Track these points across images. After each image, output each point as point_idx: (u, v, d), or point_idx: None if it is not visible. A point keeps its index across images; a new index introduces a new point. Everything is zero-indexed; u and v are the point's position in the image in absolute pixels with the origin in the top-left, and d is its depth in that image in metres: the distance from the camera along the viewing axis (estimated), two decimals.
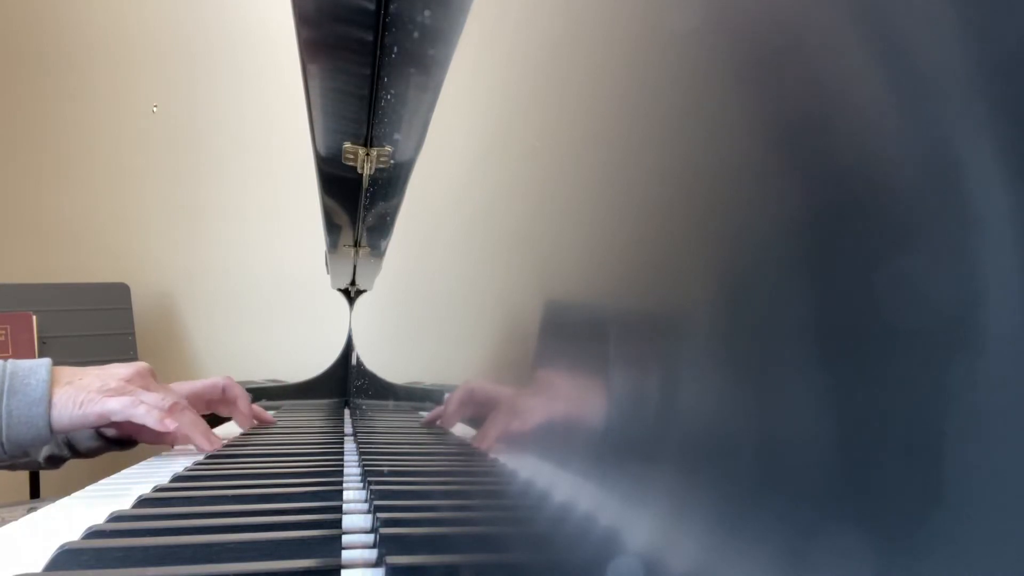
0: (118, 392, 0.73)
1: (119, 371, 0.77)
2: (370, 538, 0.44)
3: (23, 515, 0.53)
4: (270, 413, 1.09)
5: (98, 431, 0.83)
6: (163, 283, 2.18)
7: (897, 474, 0.08)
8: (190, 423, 0.77)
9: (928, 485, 0.07)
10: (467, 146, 0.38)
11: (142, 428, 0.78)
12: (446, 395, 0.38)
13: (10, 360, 0.73)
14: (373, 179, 0.78)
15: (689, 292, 0.12)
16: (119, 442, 0.86)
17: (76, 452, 0.86)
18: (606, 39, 0.17)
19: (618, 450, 0.15)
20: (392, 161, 0.72)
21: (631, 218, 0.15)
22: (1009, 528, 0.06)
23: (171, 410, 0.74)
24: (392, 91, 0.59)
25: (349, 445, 0.85)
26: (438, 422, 0.39)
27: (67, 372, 0.74)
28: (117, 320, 1.92)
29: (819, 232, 0.09)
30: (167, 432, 0.75)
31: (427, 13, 0.47)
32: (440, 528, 0.33)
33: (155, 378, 0.81)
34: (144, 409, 0.72)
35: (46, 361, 0.74)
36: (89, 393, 0.72)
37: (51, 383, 0.71)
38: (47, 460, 0.85)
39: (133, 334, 1.94)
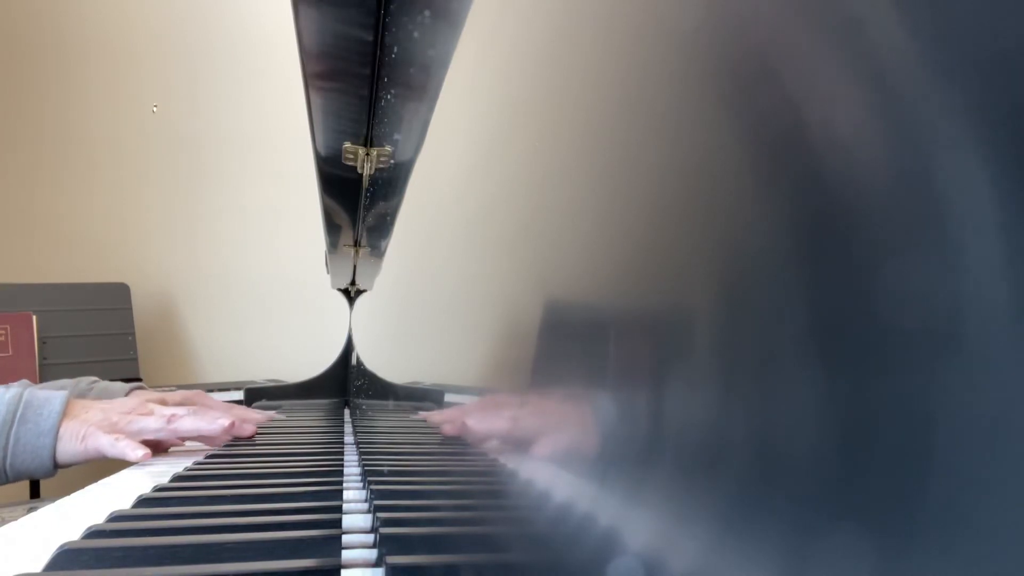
0: (115, 427, 0.76)
1: (123, 404, 0.80)
2: (370, 538, 0.44)
3: (23, 515, 0.53)
4: (270, 413, 1.09)
5: None
6: (163, 283, 2.18)
7: (897, 474, 0.08)
8: (191, 426, 0.81)
9: (927, 485, 0.07)
10: (467, 146, 0.38)
11: (156, 443, 0.83)
12: (446, 399, 0.38)
13: (28, 388, 0.75)
14: (373, 179, 0.78)
15: (690, 292, 0.12)
16: None
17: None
18: (606, 39, 0.17)
19: (618, 450, 0.15)
20: (392, 161, 0.72)
21: (631, 218, 0.15)
22: (1009, 528, 0.06)
23: (170, 420, 0.79)
24: (392, 91, 0.59)
25: (349, 445, 0.85)
26: (444, 426, 0.39)
27: (78, 406, 0.77)
28: (117, 320, 1.92)
29: (819, 232, 0.09)
30: (171, 439, 0.82)
31: (427, 13, 0.47)
32: (440, 528, 0.33)
33: (160, 400, 0.84)
34: (122, 445, 0.74)
35: (62, 394, 0.76)
36: (89, 427, 0.75)
37: (62, 416, 0.74)
38: None
39: (133, 334, 1.94)
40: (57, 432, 0.72)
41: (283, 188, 2.18)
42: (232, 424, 0.84)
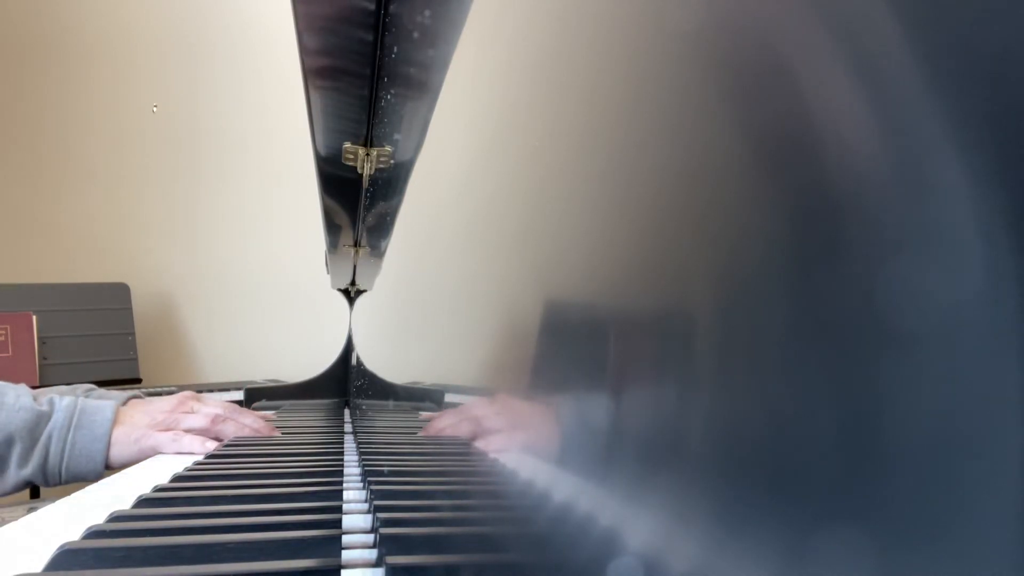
0: (163, 426, 0.83)
1: (162, 405, 0.87)
2: (370, 538, 0.44)
3: (23, 515, 0.53)
4: (269, 413, 1.09)
5: None
6: (163, 283, 2.18)
7: (896, 475, 0.08)
8: (234, 431, 0.88)
9: (927, 486, 0.07)
10: (467, 146, 0.38)
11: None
12: (445, 398, 0.38)
13: (80, 398, 0.82)
14: (373, 179, 0.78)
15: (690, 292, 0.12)
16: None
17: None
18: (606, 39, 0.17)
19: (618, 450, 0.15)
20: (392, 161, 0.72)
21: (631, 218, 0.15)
22: (1008, 527, 0.06)
23: (214, 421, 0.86)
24: (392, 91, 0.59)
25: (349, 445, 0.85)
26: (444, 427, 0.39)
27: (122, 413, 0.84)
28: (117, 320, 1.92)
29: (820, 233, 0.09)
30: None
31: (427, 13, 0.47)
32: (440, 528, 0.33)
33: (197, 399, 0.91)
34: (187, 441, 0.82)
35: (112, 404, 0.83)
36: (140, 429, 0.81)
37: (113, 423, 0.80)
38: None
39: (133, 334, 1.94)
40: (110, 438, 0.79)
41: (283, 188, 2.18)
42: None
